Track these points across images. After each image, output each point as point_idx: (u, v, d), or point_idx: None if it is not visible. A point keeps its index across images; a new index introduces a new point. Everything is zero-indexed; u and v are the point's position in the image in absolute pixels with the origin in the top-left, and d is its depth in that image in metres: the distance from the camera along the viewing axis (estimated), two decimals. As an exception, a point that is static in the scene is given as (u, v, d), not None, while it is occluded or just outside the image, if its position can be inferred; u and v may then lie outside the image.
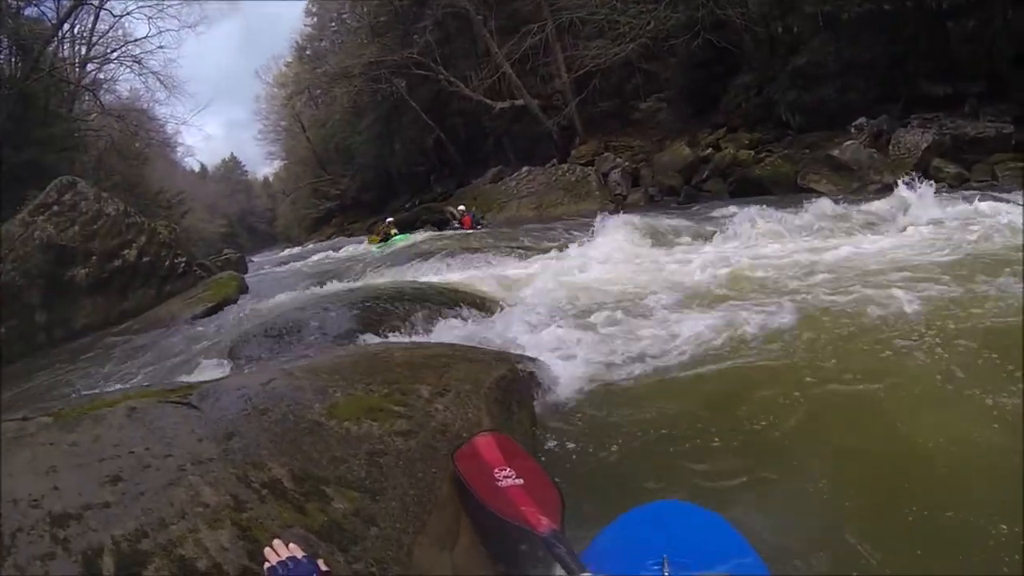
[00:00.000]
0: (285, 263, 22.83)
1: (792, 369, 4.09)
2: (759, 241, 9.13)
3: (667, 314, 5.58)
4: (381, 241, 19.71)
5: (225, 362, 5.78)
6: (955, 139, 14.88)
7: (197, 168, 70.54)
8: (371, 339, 5.44)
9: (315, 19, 48.45)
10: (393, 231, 20.10)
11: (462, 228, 19.00)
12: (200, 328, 9.39)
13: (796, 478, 2.96)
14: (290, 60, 52.55)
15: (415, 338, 5.53)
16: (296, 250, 34.06)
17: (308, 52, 48.20)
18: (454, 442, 2.77)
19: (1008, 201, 9.35)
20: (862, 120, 16.83)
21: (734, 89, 21.62)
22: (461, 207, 21.24)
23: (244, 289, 12.58)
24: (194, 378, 5.05)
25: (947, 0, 16.32)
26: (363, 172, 42.48)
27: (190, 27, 29.32)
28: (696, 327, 5.00)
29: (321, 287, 10.49)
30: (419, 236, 17.73)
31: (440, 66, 30.38)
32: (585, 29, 24.92)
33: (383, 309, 6.24)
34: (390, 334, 5.62)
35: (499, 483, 2.50)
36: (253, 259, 30.91)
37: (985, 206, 9.06)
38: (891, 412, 3.41)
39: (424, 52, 30.54)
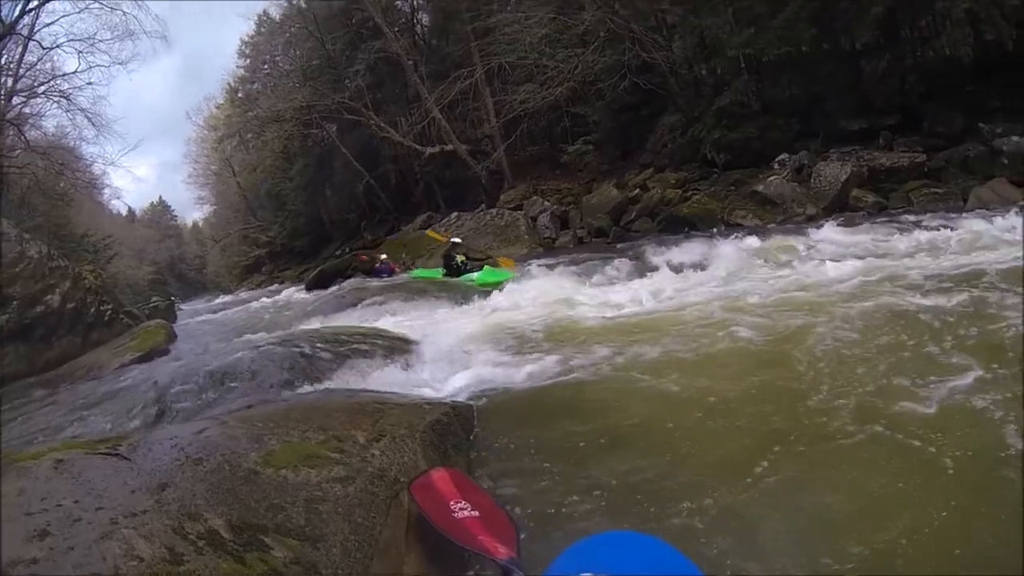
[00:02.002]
0: (215, 311, 22.23)
1: (718, 395, 4.22)
2: (678, 278, 9.51)
3: (595, 350, 5.66)
4: (447, 270, 14.55)
5: (155, 413, 5.62)
6: (872, 170, 15.65)
7: (125, 211, 68.63)
8: (305, 387, 5.46)
9: (248, 61, 47.73)
10: (461, 258, 14.68)
11: (389, 275, 18.65)
12: (128, 378, 8.80)
13: (734, 499, 3.02)
14: (222, 102, 51.93)
15: (349, 384, 5.53)
16: (227, 298, 33.28)
17: (240, 94, 47.57)
18: (392, 487, 2.79)
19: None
20: (784, 156, 17.37)
21: (660, 129, 22.10)
22: (384, 256, 20.93)
23: (173, 338, 11.96)
24: (123, 429, 5.07)
25: (860, 41, 17.83)
26: (294, 218, 41.89)
27: (122, 64, 28.30)
28: (615, 360, 5.21)
29: (252, 335, 10.27)
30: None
31: (371, 111, 30.22)
32: (514, 74, 25.11)
33: (316, 356, 6.21)
34: (324, 381, 5.63)
35: (455, 514, 2.56)
36: (183, 307, 30.01)
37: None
38: (811, 431, 3.56)
39: (355, 97, 30.50)
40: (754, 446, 3.46)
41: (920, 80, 16.68)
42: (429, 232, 18.11)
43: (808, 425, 3.60)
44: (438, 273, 13.95)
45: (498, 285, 11.72)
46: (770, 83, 19.07)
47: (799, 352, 4.70)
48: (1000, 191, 12.96)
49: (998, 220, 9.51)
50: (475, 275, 13.33)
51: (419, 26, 33.40)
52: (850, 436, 3.40)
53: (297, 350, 6.39)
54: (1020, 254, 6.93)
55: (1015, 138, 13.97)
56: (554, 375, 5.14)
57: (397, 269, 19.09)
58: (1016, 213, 9.94)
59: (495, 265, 15.10)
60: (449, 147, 27.84)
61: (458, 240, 16.38)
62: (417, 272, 14.59)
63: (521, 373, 5.32)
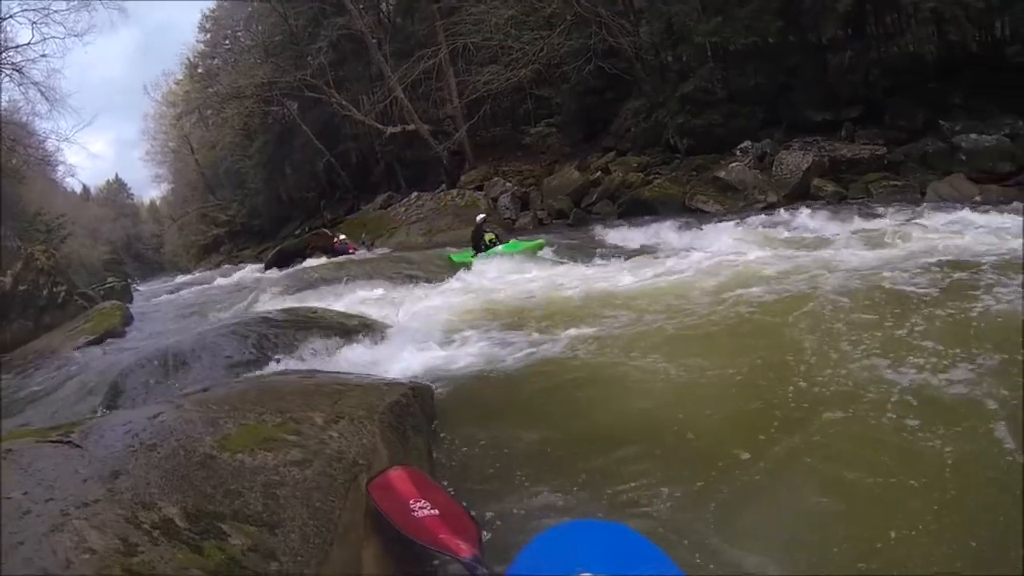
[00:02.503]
0: (173, 292, 21.53)
1: (690, 381, 4.22)
2: (636, 261, 9.67)
3: (553, 331, 5.71)
4: (476, 249, 13.37)
5: (109, 397, 5.58)
6: (833, 160, 16.11)
7: (80, 189, 66.94)
8: (262, 368, 5.45)
9: (208, 35, 46.48)
10: (490, 235, 13.49)
11: (348, 253, 18.27)
12: (82, 362, 8.64)
13: (706, 488, 3.02)
14: (181, 78, 50.50)
15: (307, 365, 5.49)
16: (185, 278, 32.44)
17: (200, 70, 46.35)
18: (351, 470, 2.73)
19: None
20: (747, 143, 17.62)
21: (624, 114, 22.21)
22: (342, 236, 20.69)
23: (129, 320, 11.54)
24: (76, 415, 5.04)
25: (826, 35, 18.06)
26: (253, 197, 41.21)
27: (77, 36, 27.39)
28: (581, 342, 5.24)
29: (209, 316, 10.29)
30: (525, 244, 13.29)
31: (333, 89, 29.70)
32: (479, 54, 24.93)
33: (274, 337, 6.18)
34: (281, 362, 5.60)
35: (415, 513, 2.53)
36: (139, 288, 28.97)
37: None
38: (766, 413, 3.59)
39: (317, 74, 29.91)
40: (726, 434, 3.46)
41: (884, 75, 17.06)
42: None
43: (780, 415, 3.56)
44: (469, 256, 13.01)
45: (528, 252, 11.72)
46: (736, 72, 19.18)
47: (774, 339, 4.78)
48: (958, 186, 13.49)
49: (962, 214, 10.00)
50: (500, 247, 12.91)
51: (384, 3, 32.92)
52: (827, 426, 3.38)
53: (255, 331, 6.35)
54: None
55: (974, 136, 14.58)
56: (519, 358, 5.09)
57: (354, 249, 18.76)
58: (971, 209, 10.53)
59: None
60: (411, 127, 27.45)
61: (484, 215, 15.05)
62: (455, 256, 13.38)
63: (485, 355, 5.31)
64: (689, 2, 19.79)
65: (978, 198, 12.38)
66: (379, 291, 9.94)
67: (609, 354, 4.91)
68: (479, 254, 12.80)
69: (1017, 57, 15.43)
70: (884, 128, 16.52)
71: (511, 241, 13.55)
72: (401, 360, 5.40)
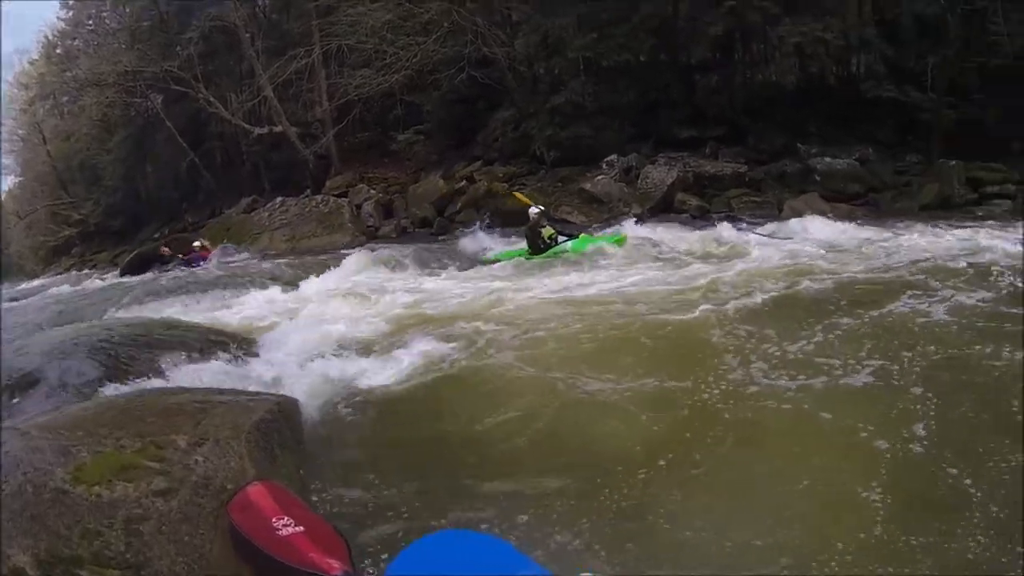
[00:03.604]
0: (16, 299, 19.80)
1: (538, 384, 4.42)
2: (494, 272, 10.19)
3: (428, 342, 5.65)
4: (533, 249, 11.67)
5: None
6: (697, 176, 16.89)
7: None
8: (117, 386, 4.90)
9: (71, 13, 42.30)
10: (548, 230, 11.70)
11: (202, 262, 17.18)
12: None
13: (553, 491, 3.13)
14: (36, 58, 46.15)
15: (167, 382, 5.05)
16: (32, 283, 30.10)
17: (59, 51, 42.48)
18: (219, 496, 2.63)
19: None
20: (613, 157, 17.90)
21: (494, 124, 22.30)
22: (197, 243, 19.49)
23: None
24: None
25: (696, 57, 19.55)
26: (110, 195, 38.54)
27: None
28: (454, 353, 5.25)
29: (57, 327, 9.15)
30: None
31: (201, 84, 28.24)
32: (352, 57, 24.47)
33: (131, 351, 5.68)
34: (140, 379, 5.10)
35: (280, 532, 2.42)
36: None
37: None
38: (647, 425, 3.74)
39: (186, 66, 28.33)
40: (607, 443, 3.57)
41: (748, 99, 18.46)
42: (515, 194, 15.70)
43: (665, 422, 3.72)
44: (522, 253, 11.72)
45: (601, 250, 10.60)
46: (608, 87, 19.63)
47: (666, 346, 5.01)
48: (812, 204, 14.76)
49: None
50: (569, 244, 11.34)
51: (261, -3, 31.73)
52: (724, 435, 3.52)
53: (109, 344, 5.82)
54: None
55: (828, 159, 16.34)
56: (392, 370, 5.01)
57: (207, 256, 17.67)
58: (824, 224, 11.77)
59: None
60: (279, 128, 26.49)
61: (540, 208, 12.43)
62: (500, 254, 12.31)
63: (355, 366, 5.17)
64: (566, 17, 20.04)
65: (830, 215, 13.21)
66: (243, 300, 9.73)
67: (481, 364, 4.97)
68: (535, 255, 11.33)
69: (870, 92, 17.29)
70: (746, 148, 17.71)
71: (581, 236, 11.76)
72: (267, 374, 5.21)
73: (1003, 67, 15.72)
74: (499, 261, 11.54)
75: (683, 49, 19.14)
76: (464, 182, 20.71)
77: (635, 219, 14.15)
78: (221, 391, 4.32)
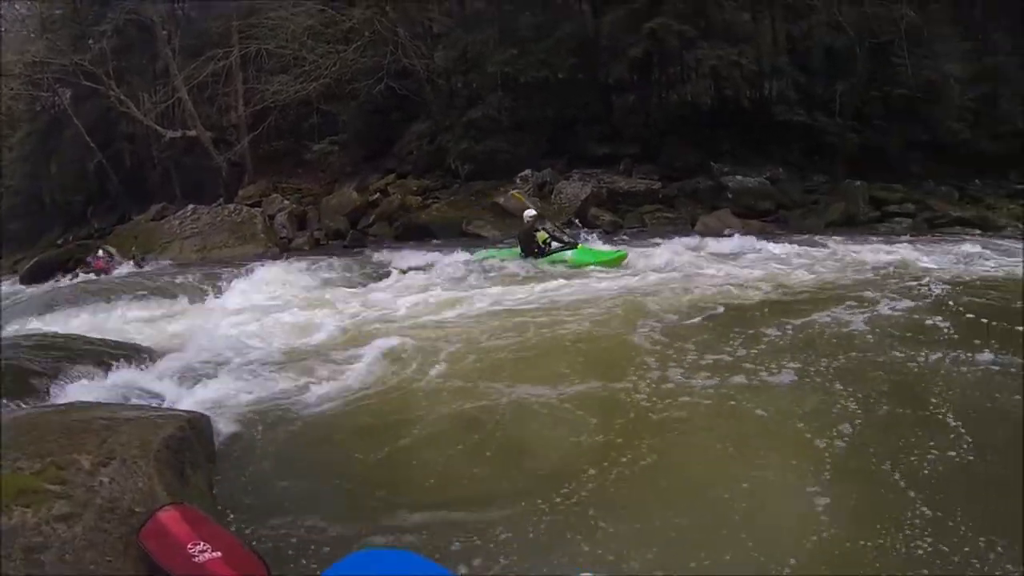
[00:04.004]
0: None
1: (454, 395, 4.44)
2: (409, 285, 9.89)
3: (343, 353, 5.64)
4: (526, 252, 11.24)
5: None
6: (611, 192, 17.33)
7: None
8: (12, 403, 4.55)
9: None
10: (542, 235, 11.23)
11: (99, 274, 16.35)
12: None
13: (481, 500, 3.14)
14: None
15: (70, 397, 4.70)
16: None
17: None
18: (127, 521, 2.51)
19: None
20: (528, 171, 17.96)
21: (409, 136, 22.23)
22: (100, 251, 18.64)
23: None
24: None
25: (613, 77, 19.83)
26: (10, 197, 36.66)
27: None
28: (366, 366, 5.15)
29: None
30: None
31: (112, 80, 27.03)
32: (271, 62, 23.93)
33: (30, 365, 5.29)
34: (36, 395, 4.81)
35: (196, 558, 2.32)
36: None
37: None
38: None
39: (97, 61, 26.96)
40: (521, 457, 3.56)
41: (663, 118, 19.08)
42: (515, 193, 14.94)
43: (594, 428, 3.74)
44: (514, 253, 11.41)
45: (603, 265, 10.02)
46: (525, 102, 19.86)
47: (591, 353, 5.13)
48: (723, 219, 15.75)
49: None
50: (568, 254, 10.85)
51: (182, -7, 30.81)
52: (654, 435, 3.59)
53: (6, 358, 5.47)
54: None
55: (740, 177, 16.96)
56: (308, 383, 4.90)
57: (103, 265, 16.84)
58: (736, 239, 12.13)
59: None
60: (192, 132, 25.64)
61: (536, 213, 11.93)
62: (488, 253, 11.88)
63: (270, 380, 5.07)
64: (487, 32, 20.25)
65: (741, 230, 13.69)
66: (151, 311, 9.33)
67: (403, 377, 4.90)
68: (530, 258, 11.00)
69: (781, 115, 18.07)
70: (660, 165, 18.23)
71: (580, 248, 11.11)
72: (177, 389, 4.97)
73: (904, 97, 16.94)
74: (491, 259, 11.31)
75: (602, 68, 19.49)
76: (378, 195, 20.63)
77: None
78: (128, 407, 4.16)
